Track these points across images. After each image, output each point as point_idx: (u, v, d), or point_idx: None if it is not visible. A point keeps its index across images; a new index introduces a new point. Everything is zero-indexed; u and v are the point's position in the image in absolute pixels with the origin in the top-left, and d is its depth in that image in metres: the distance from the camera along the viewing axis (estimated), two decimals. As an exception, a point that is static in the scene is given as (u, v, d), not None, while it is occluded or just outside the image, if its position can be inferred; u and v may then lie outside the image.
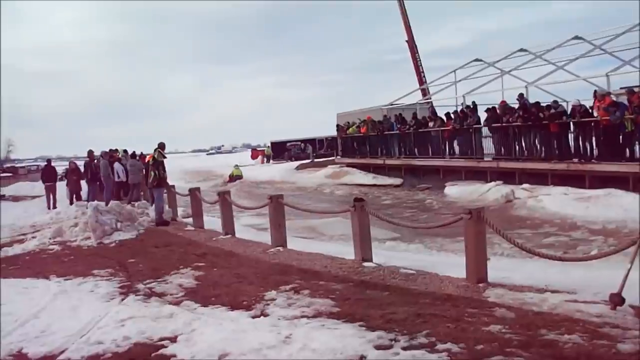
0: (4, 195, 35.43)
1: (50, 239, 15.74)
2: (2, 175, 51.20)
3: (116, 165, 24.35)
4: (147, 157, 19.20)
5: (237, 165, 47.67)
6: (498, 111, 25.92)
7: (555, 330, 5.97)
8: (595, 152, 21.26)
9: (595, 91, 22.59)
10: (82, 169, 26.08)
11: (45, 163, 29.05)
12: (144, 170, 21.68)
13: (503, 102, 27.50)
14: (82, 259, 12.93)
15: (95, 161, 24.80)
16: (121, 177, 23.88)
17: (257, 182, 41.31)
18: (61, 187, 27.26)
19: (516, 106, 25.32)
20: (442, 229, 13.16)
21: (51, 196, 25.94)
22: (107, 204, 17.95)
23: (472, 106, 28.40)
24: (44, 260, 13.38)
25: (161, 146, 18.25)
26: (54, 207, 24.66)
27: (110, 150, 27.11)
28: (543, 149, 23.49)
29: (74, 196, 25.46)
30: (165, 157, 18.36)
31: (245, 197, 29.90)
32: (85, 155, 26.14)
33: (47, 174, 27.12)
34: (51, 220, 19.53)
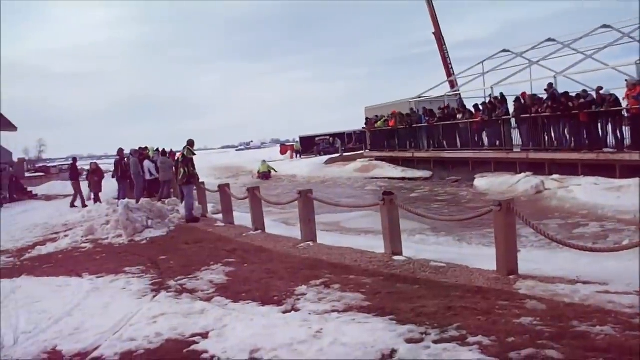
0: (36, 195, 35.78)
1: (82, 237, 15.89)
2: (34, 175, 51.63)
3: (146, 162, 24.48)
4: (177, 154, 19.27)
5: (264, 161, 47.37)
6: (523, 101, 25.72)
7: (587, 321, 5.93)
8: (627, 141, 21.03)
9: (626, 80, 22.37)
10: (109, 167, 26.21)
11: (71, 162, 29.36)
12: (174, 168, 21.77)
13: (524, 93, 27.29)
14: (113, 257, 13.04)
15: (126, 159, 24.92)
16: (153, 175, 23.99)
17: (286, 177, 41.37)
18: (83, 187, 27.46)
19: (544, 96, 25.12)
20: (472, 221, 13.13)
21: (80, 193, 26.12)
22: (137, 202, 18.04)
23: (499, 97, 28.19)
24: (76, 258, 13.52)
25: (190, 143, 18.31)
26: (84, 204, 24.93)
27: (140, 148, 27.24)
28: (573, 139, 23.29)
29: (94, 197, 25.63)
30: (194, 154, 18.43)
31: (274, 190, 29.97)
32: (115, 153, 26.26)
33: (72, 172, 27.50)
34: (83, 219, 19.70)
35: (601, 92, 22.11)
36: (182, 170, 17.87)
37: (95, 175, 26.13)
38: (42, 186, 40.97)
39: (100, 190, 26.01)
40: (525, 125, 25.72)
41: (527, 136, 25.63)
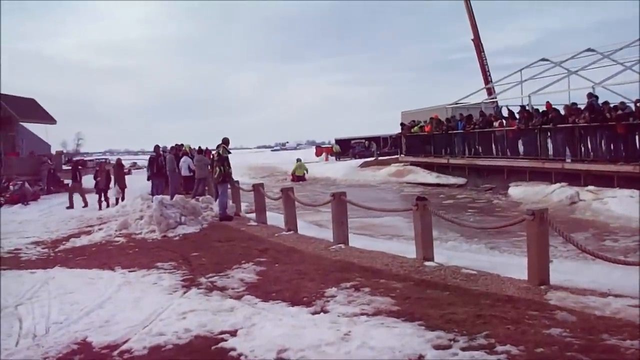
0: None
1: (116, 231, 16.06)
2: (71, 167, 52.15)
3: (184, 158, 24.60)
4: (213, 152, 19.33)
5: (299, 160, 46.47)
6: (555, 111, 25.61)
7: (617, 335, 5.88)
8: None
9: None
10: (145, 163, 26.10)
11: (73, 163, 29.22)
12: (209, 166, 21.84)
13: (548, 103, 27.21)
14: (146, 252, 13.17)
15: (161, 156, 25.00)
16: (192, 170, 24.06)
17: (321, 179, 41.38)
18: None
19: (583, 106, 24.91)
20: (505, 229, 13.07)
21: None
22: (171, 198, 18.16)
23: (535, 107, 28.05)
24: (109, 251, 13.67)
25: (225, 142, 18.38)
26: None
27: (176, 145, 27.41)
28: (610, 150, 23.08)
29: (101, 196, 25.07)
30: (229, 153, 18.51)
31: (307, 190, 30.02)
32: (152, 149, 26.27)
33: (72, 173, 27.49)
34: (117, 213, 19.89)
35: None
36: (217, 169, 17.95)
37: (102, 174, 25.66)
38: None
39: (109, 189, 25.55)
40: (561, 135, 25.52)
41: (563, 146, 25.43)
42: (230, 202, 18.93)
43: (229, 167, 18.23)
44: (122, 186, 25.32)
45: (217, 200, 18.56)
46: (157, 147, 25.70)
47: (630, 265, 8.58)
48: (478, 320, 6.59)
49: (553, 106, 26.72)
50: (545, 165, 26.06)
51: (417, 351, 5.70)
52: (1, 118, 37.94)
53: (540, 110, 27.25)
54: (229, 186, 18.54)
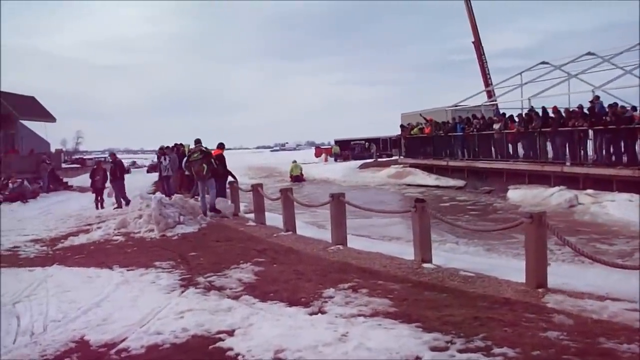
0: (71, 186, 36.19)
1: (114, 229, 16.06)
2: (70, 166, 52.20)
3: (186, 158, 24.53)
4: (213, 152, 19.28)
5: (295, 161, 46.78)
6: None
7: (614, 339, 5.88)
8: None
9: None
10: (144, 162, 25.87)
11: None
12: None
13: (555, 107, 27.23)
14: (144, 251, 13.16)
15: (164, 157, 24.92)
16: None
17: (320, 180, 41.42)
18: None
19: (583, 110, 24.96)
20: (503, 232, 13.08)
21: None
22: (170, 197, 18.16)
23: (535, 110, 28.09)
24: (107, 250, 13.67)
25: (197, 142, 18.62)
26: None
27: (176, 144, 27.39)
28: (609, 154, 23.12)
29: (98, 198, 24.51)
30: (206, 149, 18.45)
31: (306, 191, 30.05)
32: (151, 148, 26.21)
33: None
34: (116, 212, 19.89)
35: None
36: (204, 165, 17.95)
37: (98, 174, 24.91)
38: (78, 177, 41.43)
39: (104, 189, 24.77)
40: (561, 138, 25.57)
41: (562, 149, 25.48)
42: (229, 202, 18.94)
43: (222, 165, 18.22)
44: (120, 190, 23.92)
45: (200, 197, 18.41)
46: (161, 148, 25.71)
47: (628, 269, 8.58)
48: (475, 322, 6.60)
49: (554, 110, 26.76)
50: (544, 169, 26.13)
51: (414, 353, 5.70)
52: (1, 116, 37.95)
53: (541, 114, 27.30)
54: (214, 183, 18.39)
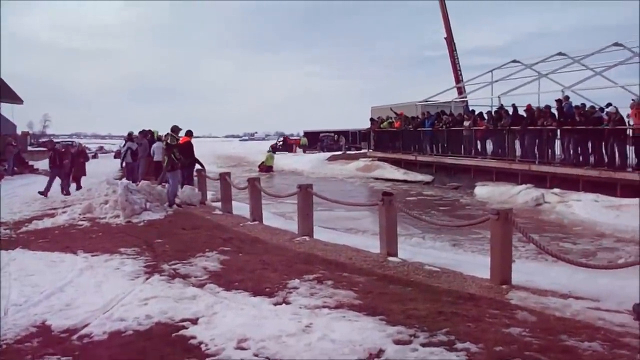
0: (37, 169, 35.79)
1: (80, 214, 15.90)
2: (36, 149, 51.66)
3: (157, 144, 24.19)
4: (181, 139, 19.13)
5: (270, 151, 46.80)
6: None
7: (575, 336, 5.94)
8: (631, 160, 21.04)
9: (632, 100, 22.43)
10: (112, 148, 25.62)
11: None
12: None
13: (529, 105, 27.43)
14: (109, 236, 13.06)
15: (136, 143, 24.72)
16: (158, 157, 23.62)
17: (288, 171, 41.39)
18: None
19: (552, 110, 25.14)
20: (469, 228, 13.16)
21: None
22: (137, 183, 18.02)
23: (505, 108, 28.25)
24: (72, 235, 13.55)
25: (174, 129, 18.38)
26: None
27: (144, 130, 27.14)
28: (576, 154, 23.34)
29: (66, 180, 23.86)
30: (177, 140, 18.37)
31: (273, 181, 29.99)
32: (120, 134, 25.98)
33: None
34: (82, 197, 19.70)
35: (608, 109, 22.12)
36: (166, 157, 17.91)
37: (63, 158, 24.33)
38: (44, 161, 41.00)
39: (70, 173, 24.48)
40: (529, 137, 25.76)
41: (530, 148, 25.66)
42: (195, 190, 18.87)
43: (179, 155, 18.08)
44: (79, 175, 24.63)
45: (167, 187, 18.27)
46: (130, 134, 25.50)
47: (591, 268, 8.67)
48: (439, 316, 6.62)
49: (528, 108, 26.92)
50: (512, 167, 26.30)
51: (377, 345, 5.70)
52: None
53: (511, 112, 27.47)
54: (179, 175, 18.27)
